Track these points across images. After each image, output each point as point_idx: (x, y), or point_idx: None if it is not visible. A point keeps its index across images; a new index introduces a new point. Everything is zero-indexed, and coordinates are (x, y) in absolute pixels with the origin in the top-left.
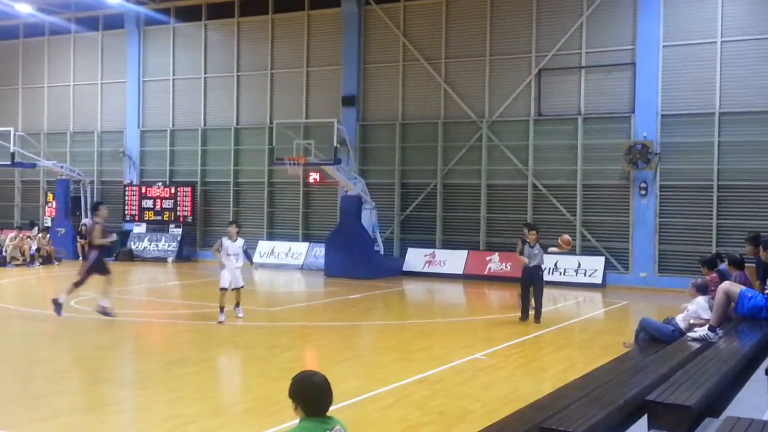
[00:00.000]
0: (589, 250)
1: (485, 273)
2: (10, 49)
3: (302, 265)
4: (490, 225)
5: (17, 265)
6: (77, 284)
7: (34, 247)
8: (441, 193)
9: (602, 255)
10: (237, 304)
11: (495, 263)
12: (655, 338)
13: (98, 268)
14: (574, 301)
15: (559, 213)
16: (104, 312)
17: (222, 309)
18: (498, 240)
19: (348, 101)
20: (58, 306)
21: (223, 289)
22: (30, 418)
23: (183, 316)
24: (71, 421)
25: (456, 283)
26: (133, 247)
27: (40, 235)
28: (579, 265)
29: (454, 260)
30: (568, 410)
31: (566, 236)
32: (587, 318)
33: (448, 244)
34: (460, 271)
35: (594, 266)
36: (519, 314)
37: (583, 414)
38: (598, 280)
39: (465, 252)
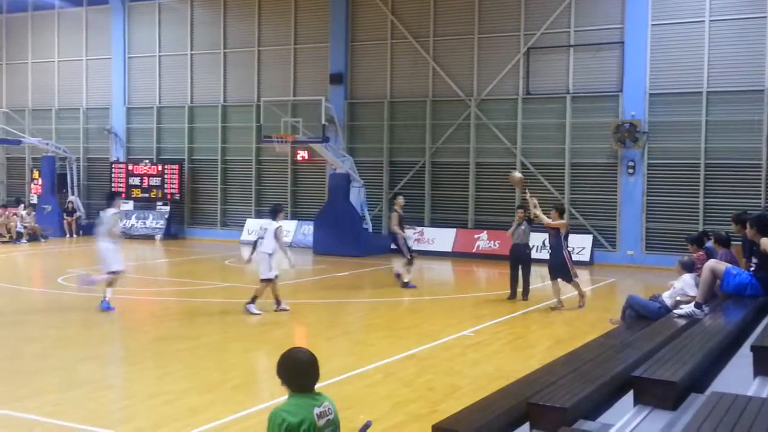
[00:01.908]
0: (576, 228)
1: (473, 251)
2: None
3: (290, 243)
4: (478, 203)
5: (3, 243)
6: (409, 262)
7: (20, 225)
8: (429, 171)
9: (590, 233)
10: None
11: (483, 241)
12: (642, 315)
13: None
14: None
15: (547, 191)
16: (405, 285)
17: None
18: (486, 218)
19: (336, 79)
20: (403, 283)
21: (276, 278)
22: (18, 394)
23: (171, 293)
24: (60, 397)
25: (444, 261)
26: (121, 224)
27: (24, 212)
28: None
29: (443, 238)
30: (556, 386)
31: (516, 174)
32: (574, 295)
33: (436, 222)
34: (448, 249)
35: (581, 244)
36: (507, 292)
37: (570, 389)
38: (586, 257)
39: (453, 230)
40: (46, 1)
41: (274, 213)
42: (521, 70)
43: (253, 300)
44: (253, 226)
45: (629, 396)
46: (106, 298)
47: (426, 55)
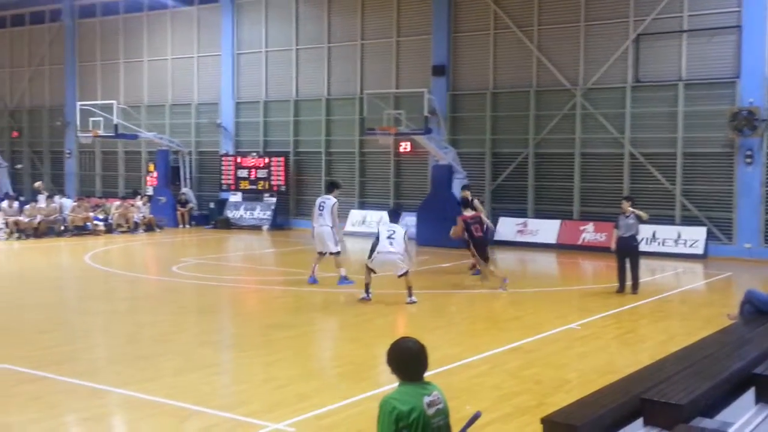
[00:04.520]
0: (689, 220)
1: (579, 243)
2: (112, 25)
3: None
4: (584, 194)
5: (122, 232)
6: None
7: (139, 215)
8: (533, 162)
9: (704, 225)
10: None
11: (589, 233)
12: (762, 311)
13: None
14: (674, 272)
15: (657, 182)
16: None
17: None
18: (593, 210)
19: (438, 70)
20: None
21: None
22: (139, 377)
23: (278, 282)
24: (177, 381)
25: (549, 253)
26: (230, 215)
27: (141, 203)
28: (679, 236)
29: (547, 230)
30: (670, 382)
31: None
32: (687, 289)
33: (540, 214)
34: (552, 241)
35: (695, 236)
36: (615, 285)
37: (685, 386)
38: (699, 250)
39: (558, 222)
40: (160, 1)
41: (397, 216)
42: (630, 57)
43: (410, 292)
44: (357, 217)
45: (749, 394)
46: (342, 275)
47: (530, 45)
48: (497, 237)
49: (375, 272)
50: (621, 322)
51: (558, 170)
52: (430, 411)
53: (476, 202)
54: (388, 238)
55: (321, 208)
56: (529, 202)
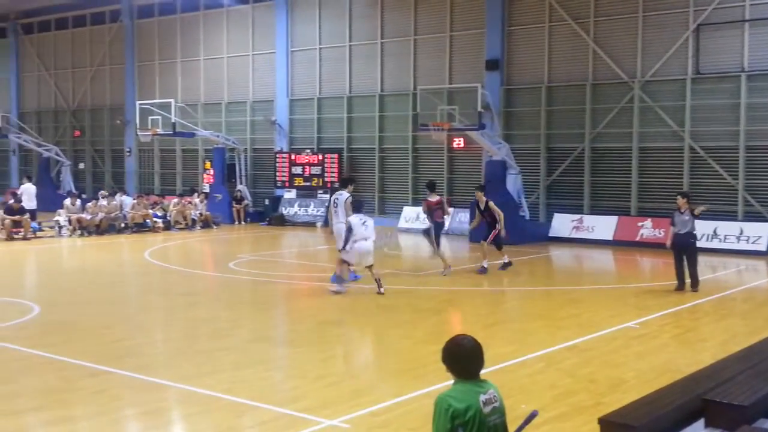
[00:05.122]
0: (752, 216)
1: (636, 239)
2: (170, 25)
3: (447, 230)
4: (642, 190)
5: (180, 229)
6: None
7: (196, 213)
8: (589, 157)
9: (767, 221)
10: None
11: (647, 229)
12: None
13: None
14: (736, 270)
15: (719, 177)
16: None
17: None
18: (651, 205)
19: (492, 65)
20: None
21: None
22: (198, 372)
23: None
24: (235, 375)
25: (605, 250)
26: (284, 212)
27: (198, 200)
28: (741, 232)
29: (603, 226)
30: (732, 382)
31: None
32: (750, 287)
33: (596, 210)
34: (609, 237)
35: (758, 233)
36: (675, 282)
37: (749, 386)
38: (762, 247)
39: (615, 218)
40: (216, 0)
41: (361, 206)
42: (690, 48)
43: (379, 284)
44: (410, 213)
45: None
46: (337, 273)
47: (586, 37)
48: (552, 233)
49: (351, 264)
50: (680, 321)
51: (615, 165)
52: (486, 409)
53: (491, 203)
54: (363, 224)
55: (336, 204)
56: (585, 198)
